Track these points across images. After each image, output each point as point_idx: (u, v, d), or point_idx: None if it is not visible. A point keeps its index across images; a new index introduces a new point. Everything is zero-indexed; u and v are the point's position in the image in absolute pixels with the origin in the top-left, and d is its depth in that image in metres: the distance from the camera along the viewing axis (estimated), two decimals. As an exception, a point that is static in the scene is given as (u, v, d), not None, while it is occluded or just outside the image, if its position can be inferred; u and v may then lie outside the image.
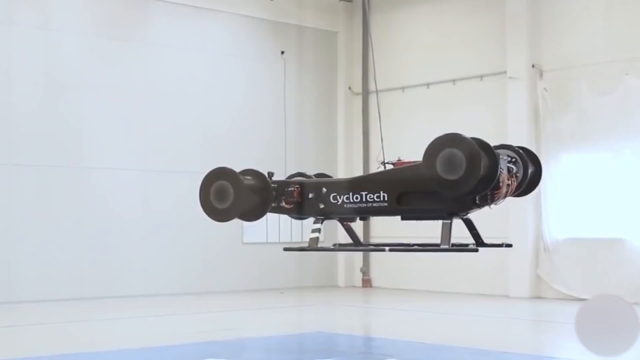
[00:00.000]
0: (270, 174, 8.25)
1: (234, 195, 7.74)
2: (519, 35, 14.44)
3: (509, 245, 8.60)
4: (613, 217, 13.17)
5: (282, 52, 16.57)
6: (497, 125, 14.86)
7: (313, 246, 7.99)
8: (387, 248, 8.14)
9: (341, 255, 17.03)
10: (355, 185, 7.91)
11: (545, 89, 14.16)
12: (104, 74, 14.44)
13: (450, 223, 7.45)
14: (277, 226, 15.82)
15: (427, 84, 16.08)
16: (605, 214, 13.26)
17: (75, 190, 13.96)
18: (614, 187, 13.21)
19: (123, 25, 14.76)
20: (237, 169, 8.25)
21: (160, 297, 14.18)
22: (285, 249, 8.79)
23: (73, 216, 13.91)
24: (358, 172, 17.14)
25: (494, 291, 14.58)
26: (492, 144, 7.58)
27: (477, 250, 7.75)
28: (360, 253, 16.52)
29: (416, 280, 15.73)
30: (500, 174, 7.31)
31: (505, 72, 14.66)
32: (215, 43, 15.86)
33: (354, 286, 16.88)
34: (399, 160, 8.29)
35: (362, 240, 9.60)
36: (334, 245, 9.12)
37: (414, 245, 8.28)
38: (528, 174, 8.00)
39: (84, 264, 13.92)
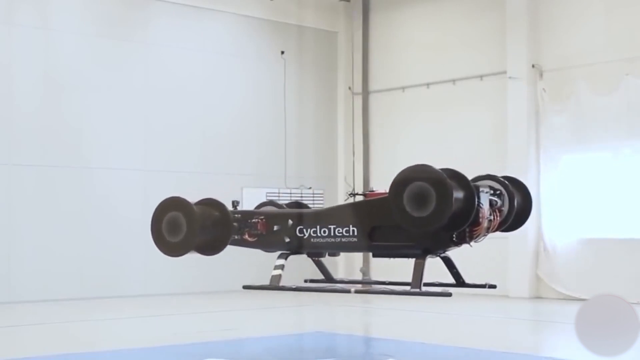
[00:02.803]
0: (235, 203, 7.86)
1: (186, 227, 7.21)
2: (519, 35, 14.44)
3: (493, 286, 8.04)
4: (613, 217, 13.16)
5: (282, 52, 16.58)
6: (497, 125, 14.87)
7: (274, 285, 7.47)
8: (352, 289, 7.49)
9: (341, 255, 17.00)
10: (323, 217, 7.41)
11: (544, 89, 14.16)
12: (104, 74, 14.44)
13: (424, 262, 6.95)
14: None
15: (427, 84, 16.08)
16: (605, 214, 13.26)
17: (75, 190, 13.96)
18: (614, 187, 13.21)
19: (123, 26, 14.76)
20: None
21: (160, 297, 14.18)
22: (245, 287, 8.03)
23: (73, 216, 13.91)
24: (358, 172, 17.17)
25: (494, 291, 14.51)
26: (471, 176, 7.09)
27: (450, 295, 7.07)
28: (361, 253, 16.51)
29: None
30: (479, 209, 6.84)
31: (505, 72, 14.66)
32: (215, 43, 15.86)
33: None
34: (371, 191, 7.78)
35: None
36: (305, 281, 8.51)
37: (382, 288, 7.77)
38: (514, 207, 7.51)
39: (84, 263, 13.91)
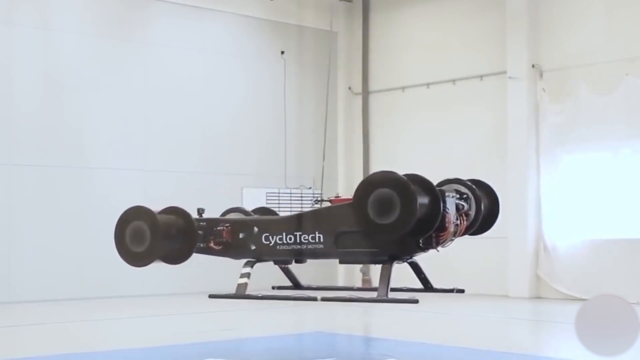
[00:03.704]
0: (201, 211, 7.71)
1: (150, 237, 7.12)
2: (519, 35, 14.44)
3: (461, 291, 7.98)
4: (613, 217, 13.17)
5: (282, 52, 16.58)
6: (497, 125, 14.87)
7: (240, 293, 7.40)
8: (319, 297, 7.31)
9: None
10: (288, 224, 7.33)
11: (544, 89, 14.16)
12: (104, 74, 14.45)
13: (390, 269, 6.90)
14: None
15: (427, 84, 16.08)
16: (605, 214, 13.26)
17: (75, 190, 13.96)
18: (614, 187, 13.21)
19: (123, 26, 14.77)
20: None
21: (159, 297, 14.18)
22: (211, 296, 7.88)
23: (73, 216, 13.91)
24: (358, 172, 17.17)
25: (493, 291, 14.57)
26: (436, 181, 7.00)
27: (416, 302, 6.98)
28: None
29: (416, 280, 15.68)
30: (445, 214, 6.78)
31: (505, 72, 14.66)
32: (215, 43, 15.86)
33: (353, 283, 16.86)
34: (337, 196, 7.81)
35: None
36: (273, 287, 8.43)
37: (348, 296, 7.67)
38: (481, 210, 7.45)
39: (84, 264, 13.91)
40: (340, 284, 16.92)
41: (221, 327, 10.45)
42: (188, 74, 15.47)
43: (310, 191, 16.73)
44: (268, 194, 15.79)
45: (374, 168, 16.98)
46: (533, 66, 14.30)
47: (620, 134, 13.23)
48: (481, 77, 15.23)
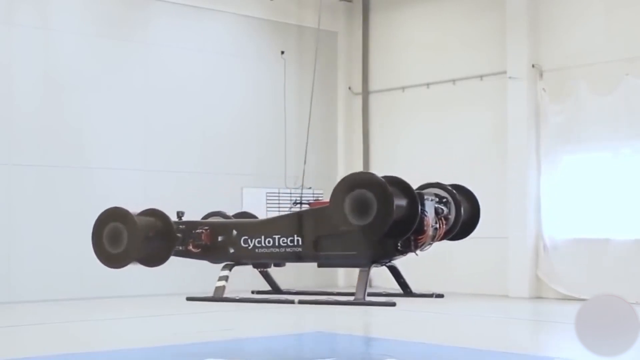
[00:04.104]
0: (180, 214, 7.69)
1: (127, 238, 7.11)
2: (519, 35, 14.44)
3: (440, 296, 7.88)
4: (613, 217, 13.17)
5: (282, 52, 16.58)
6: (497, 125, 14.88)
7: (218, 296, 7.42)
8: (296, 300, 7.33)
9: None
10: (267, 227, 7.32)
11: (544, 89, 14.16)
12: (104, 74, 14.45)
13: (368, 272, 6.88)
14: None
15: (427, 84, 16.08)
16: (605, 214, 13.26)
17: (75, 190, 13.97)
18: (614, 187, 13.21)
19: (123, 26, 14.77)
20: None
21: (159, 297, 14.18)
22: (188, 299, 7.98)
23: (73, 216, 13.91)
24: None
25: (493, 291, 14.57)
26: (416, 184, 6.98)
27: (394, 305, 6.97)
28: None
29: (416, 280, 15.68)
30: (423, 217, 6.75)
31: (505, 72, 14.67)
32: (215, 43, 15.86)
33: (354, 286, 16.84)
34: (317, 200, 7.81)
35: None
36: (252, 292, 8.38)
37: (325, 299, 7.55)
38: (461, 215, 7.39)
39: (84, 264, 13.89)
40: (340, 284, 16.93)
41: (221, 327, 10.45)
42: (188, 74, 15.48)
43: (311, 191, 16.73)
44: (268, 194, 15.79)
45: (374, 168, 16.99)
46: (533, 66, 14.30)
47: (620, 134, 13.23)
48: (481, 77, 15.23)
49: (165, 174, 15.00)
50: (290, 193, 16.37)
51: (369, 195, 6.41)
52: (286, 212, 7.56)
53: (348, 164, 17.33)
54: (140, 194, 14.66)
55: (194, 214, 14.27)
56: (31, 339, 9.54)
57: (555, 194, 13.92)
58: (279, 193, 16.09)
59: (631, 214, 13.00)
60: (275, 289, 8.08)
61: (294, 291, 8.08)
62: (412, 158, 16.30)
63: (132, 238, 7.10)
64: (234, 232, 7.43)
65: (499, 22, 14.89)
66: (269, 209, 15.53)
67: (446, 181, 7.43)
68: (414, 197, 6.65)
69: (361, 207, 6.42)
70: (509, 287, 14.35)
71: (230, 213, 8.30)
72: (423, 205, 6.77)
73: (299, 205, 7.82)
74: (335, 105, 17.44)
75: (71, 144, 14.01)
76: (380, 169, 16.80)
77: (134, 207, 7.46)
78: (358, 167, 17.12)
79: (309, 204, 7.76)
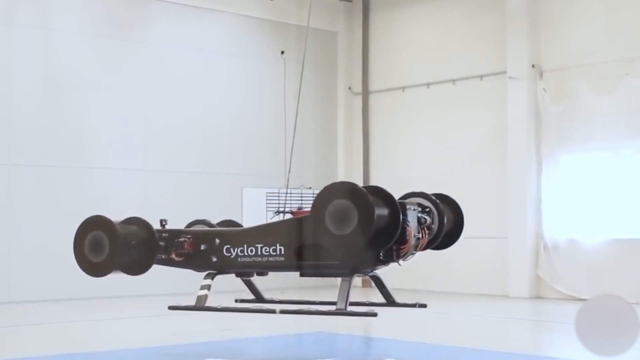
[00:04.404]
0: (163, 222, 7.69)
1: (109, 247, 7.15)
2: (519, 35, 14.44)
3: (423, 306, 7.86)
4: (613, 217, 13.17)
5: (282, 52, 16.58)
6: (497, 125, 14.87)
7: (200, 305, 7.46)
8: (277, 310, 7.40)
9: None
10: (250, 236, 7.30)
11: (544, 89, 14.16)
12: (104, 74, 14.45)
13: (350, 282, 6.87)
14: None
15: (427, 84, 16.08)
16: (605, 214, 13.26)
17: (75, 190, 13.96)
18: (614, 187, 13.21)
19: (123, 26, 14.77)
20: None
21: (159, 297, 14.17)
22: (170, 308, 8.01)
23: (73, 216, 13.79)
24: (358, 172, 17.17)
25: (493, 291, 14.57)
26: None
27: (375, 315, 6.98)
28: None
29: (416, 280, 15.73)
30: (405, 227, 6.72)
31: (505, 72, 14.66)
32: (215, 43, 15.86)
33: (354, 286, 16.80)
34: (299, 209, 7.78)
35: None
36: (236, 300, 8.41)
37: (307, 309, 7.58)
38: (444, 225, 7.37)
39: (84, 264, 13.90)
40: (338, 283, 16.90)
41: (221, 327, 10.44)
42: (188, 74, 15.48)
43: (311, 191, 16.72)
44: (268, 194, 15.77)
45: (374, 168, 17.00)
46: (533, 66, 14.30)
47: (621, 134, 13.23)
48: (481, 77, 15.23)
49: (165, 174, 15.00)
50: (291, 193, 16.36)
51: (350, 205, 6.38)
52: (270, 221, 7.51)
53: (348, 164, 17.33)
54: (140, 194, 14.66)
55: (193, 214, 14.26)
56: (31, 339, 9.54)
57: (555, 194, 13.92)
58: (279, 193, 16.07)
59: (631, 214, 12.99)
60: (259, 298, 8.08)
61: (277, 300, 8.08)
62: (412, 158, 16.30)
63: (113, 246, 7.12)
64: (217, 240, 7.43)
65: (499, 22, 14.89)
66: (269, 209, 15.52)
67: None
68: (396, 207, 6.62)
69: (342, 217, 6.39)
70: (509, 287, 14.35)
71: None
72: (405, 214, 6.74)
73: (281, 215, 7.77)
74: (335, 105, 17.44)
75: (71, 144, 14.01)
76: (380, 169, 16.85)
77: (117, 215, 7.47)
78: (358, 167, 17.13)
79: (291, 212, 7.69)
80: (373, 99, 17.16)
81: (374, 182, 17.01)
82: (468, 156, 15.38)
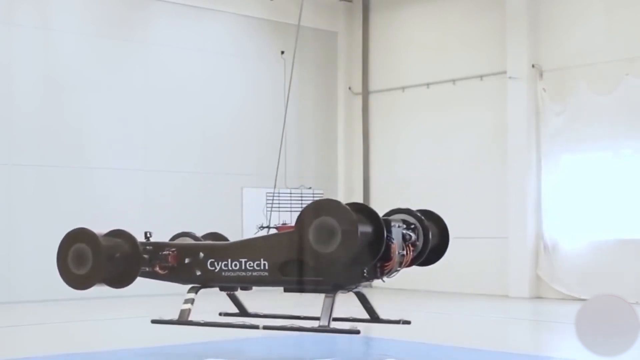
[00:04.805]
0: (148, 234, 7.69)
1: (92, 259, 7.14)
2: (519, 35, 14.44)
3: (407, 322, 7.83)
4: (613, 217, 13.17)
5: (282, 52, 16.57)
6: (497, 125, 14.88)
7: (183, 319, 7.44)
8: (261, 326, 7.35)
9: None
10: (234, 251, 7.29)
11: (544, 89, 14.16)
12: (104, 74, 14.45)
13: (334, 298, 6.85)
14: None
15: (427, 84, 16.08)
16: (605, 214, 13.27)
17: (75, 190, 13.96)
18: (614, 187, 13.21)
19: (123, 26, 14.77)
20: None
21: (160, 297, 14.16)
22: (153, 322, 7.95)
23: (73, 216, 13.88)
24: (358, 172, 17.18)
25: (493, 291, 14.57)
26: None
27: (358, 332, 6.95)
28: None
29: (416, 280, 15.73)
30: (390, 244, 6.72)
31: (505, 72, 14.67)
32: (215, 43, 15.86)
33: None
34: (284, 224, 7.64)
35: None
36: (220, 314, 8.34)
37: (290, 325, 7.52)
38: (429, 241, 7.36)
39: (84, 264, 13.91)
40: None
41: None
42: (188, 74, 15.47)
43: (311, 191, 16.73)
44: (268, 194, 15.77)
45: (374, 168, 17.00)
46: (533, 66, 14.30)
47: (621, 134, 13.23)
48: (481, 77, 15.23)
49: (165, 174, 15.00)
50: (291, 193, 16.38)
51: (334, 222, 6.40)
52: (254, 235, 7.52)
53: (348, 164, 17.33)
54: (140, 194, 14.66)
55: (193, 214, 14.37)
56: (31, 339, 9.54)
57: (555, 194, 13.92)
58: (279, 193, 16.08)
59: (631, 214, 12.99)
60: (243, 312, 8.06)
61: (262, 314, 8.07)
62: (412, 158, 16.30)
63: (97, 259, 7.12)
64: (201, 254, 7.41)
65: (499, 22, 14.89)
66: (269, 209, 15.52)
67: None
68: (380, 224, 6.63)
69: (326, 235, 6.41)
70: (509, 287, 14.35)
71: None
72: (390, 231, 6.76)
73: (265, 230, 7.77)
74: (335, 105, 17.44)
75: (71, 144, 14.01)
76: (380, 169, 16.85)
77: (101, 228, 7.48)
78: (358, 167, 17.13)
79: (276, 228, 7.64)
80: (373, 99, 17.16)
81: (374, 182, 17.02)
82: (468, 156, 15.38)
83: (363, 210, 6.67)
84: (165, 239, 15.72)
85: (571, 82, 13.82)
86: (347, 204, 6.59)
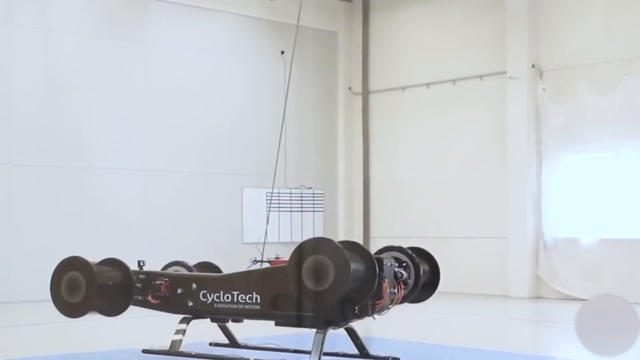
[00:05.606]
0: (141, 263, 7.69)
1: (85, 288, 7.19)
2: (519, 35, 14.44)
3: (396, 359, 7.68)
4: (613, 217, 13.17)
5: (282, 52, 16.57)
6: (497, 125, 14.88)
7: (174, 350, 7.43)
8: (251, 358, 7.30)
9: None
10: (227, 283, 7.29)
11: (544, 89, 14.17)
12: (104, 74, 14.45)
13: (324, 334, 6.84)
14: (277, 226, 15.85)
15: (427, 84, 16.08)
16: (605, 214, 13.27)
17: (75, 190, 13.96)
18: (614, 187, 13.22)
19: (123, 25, 14.77)
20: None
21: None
22: (144, 351, 7.90)
23: (73, 216, 13.91)
24: (358, 172, 17.18)
25: (493, 291, 14.58)
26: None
27: None
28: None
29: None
30: (382, 282, 6.74)
31: (505, 72, 14.67)
32: (215, 43, 15.86)
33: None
34: (276, 258, 7.61)
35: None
36: (210, 344, 8.28)
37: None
38: (420, 279, 7.39)
39: (84, 264, 13.90)
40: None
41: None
42: (188, 74, 15.47)
43: (311, 191, 16.73)
44: (268, 194, 15.79)
45: (374, 168, 17.00)
46: (533, 66, 14.30)
47: (621, 134, 13.24)
48: (481, 77, 15.23)
49: (165, 174, 15.00)
50: (291, 193, 16.38)
51: (326, 261, 6.40)
52: (248, 268, 7.53)
53: (348, 164, 17.33)
54: (140, 194, 14.67)
55: (193, 215, 14.37)
56: (31, 339, 9.54)
57: (555, 194, 13.92)
58: (279, 193, 16.09)
59: (631, 214, 13.00)
60: (233, 343, 8.05)
61: (252, 346, 8.07)
62: (412, 158, 16.30)
63: (89, 288, 7.16)
64: (194, 285, 7.43)
65: (499, 22, 14.89)
66: (268, 209, 15.52)
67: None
68: (372, 263, 6.63)
69: (318, 273, 6.42)
70: (509, 287, 14.36)
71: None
72: (382, 270, 6.77)
73: (258, 263, 7.78)
74: (335, 105, 17.44)
75: (71, 144, 14.01)
76: (380, 169, 16.85)
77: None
78: (358, 167, 17.13)
79: (269, 262, 7.63)
80: (373, 99, 17.16)
81: (374, 182, 17.01)
82: (468, 156, 15.38)
83: (355, 249, 6.69)
84: (166, 238, 15.80)
85: (571, 82, 13.82)
86: (340, 242, 6.63)
